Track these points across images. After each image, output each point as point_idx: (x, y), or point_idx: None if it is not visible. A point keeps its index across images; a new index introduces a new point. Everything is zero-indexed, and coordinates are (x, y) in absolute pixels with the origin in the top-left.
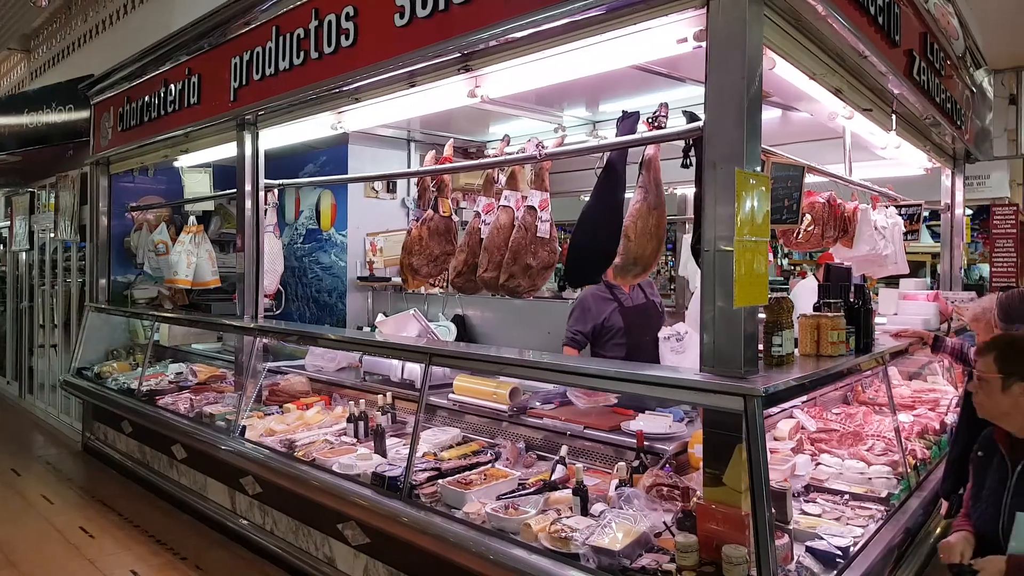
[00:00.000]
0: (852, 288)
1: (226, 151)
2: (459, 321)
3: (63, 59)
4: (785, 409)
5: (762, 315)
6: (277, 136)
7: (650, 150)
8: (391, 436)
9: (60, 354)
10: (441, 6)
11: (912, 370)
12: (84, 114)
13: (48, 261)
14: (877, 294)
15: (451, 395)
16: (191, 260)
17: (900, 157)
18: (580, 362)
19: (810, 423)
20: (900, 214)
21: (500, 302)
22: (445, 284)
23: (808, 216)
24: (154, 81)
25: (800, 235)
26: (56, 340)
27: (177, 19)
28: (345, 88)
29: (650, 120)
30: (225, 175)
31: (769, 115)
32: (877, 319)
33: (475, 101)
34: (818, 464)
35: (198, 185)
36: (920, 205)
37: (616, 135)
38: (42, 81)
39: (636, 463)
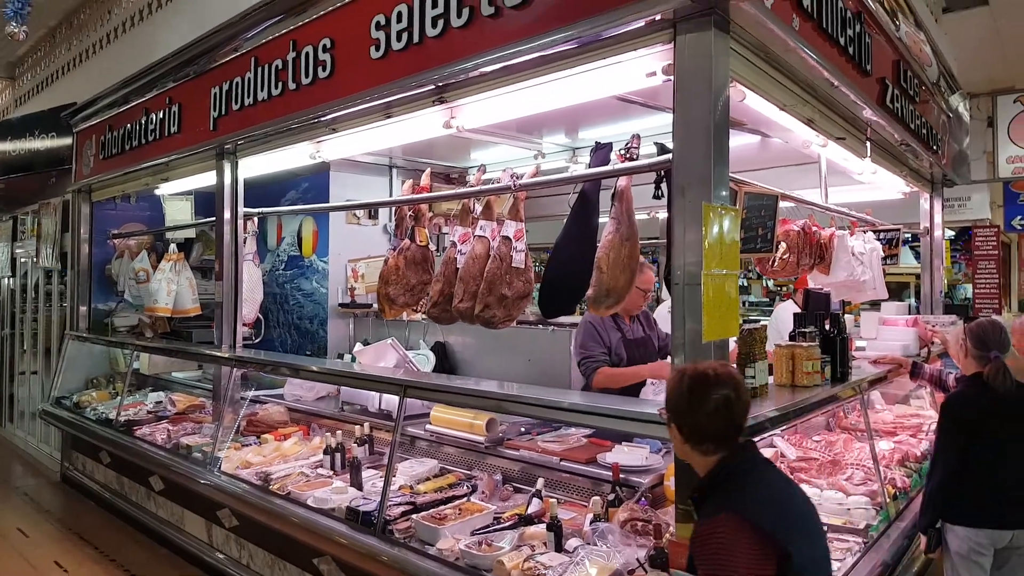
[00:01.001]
0: (827, 317)
1: (207, 179)
2: (440, 348)
3: (47, 87)
4: (764, 438)
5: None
6: (257, 165)
7: (622, 181)
8: (368, 468)
9: (41, 382)
10: (416, 39)
11: (900, 393)
12: (67, 142)
13: (30, 288)
14: (859, 316)
15: (428, 426)
16: (171, 288)
17: (877, 181)
18: (549, 395)
19: (790, 451)
20: (879, 239)
21: (481, 329)
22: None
23: (783, 244)
24: (136, 110)
25: (775, 263)
26: (37, 368)
27: (159, 49)
28: (323, 119)
29: (622, 151)
30: (207, 202)
31: (747, 141)
32: (859, 343)
33: (451, 132)
34: None
35: (179, 212)
36: (899, 229)
37: (589, 166)
38: (26, 109)
39: (612, 496)
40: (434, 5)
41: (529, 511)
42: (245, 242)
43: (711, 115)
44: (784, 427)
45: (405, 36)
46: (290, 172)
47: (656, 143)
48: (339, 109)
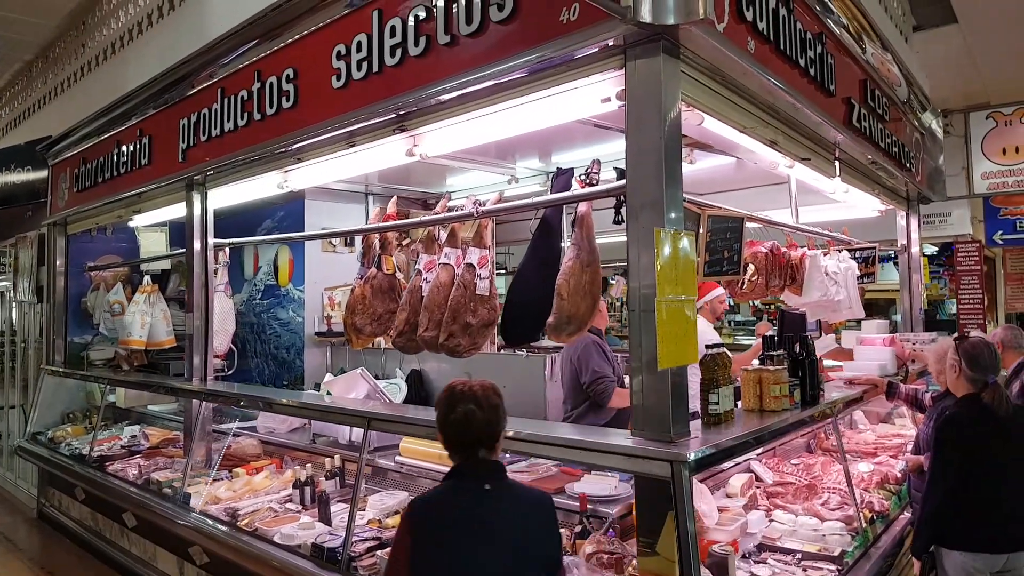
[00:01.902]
0: (796, 339)
1: (179, 210)
2: (416, 376)
3: (24, 120)
4: (740, 463)
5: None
6: (226, 195)
7: (582, 207)
8: (338, 501)
9: (19, 417)
10: (375, 68)
11: (883, 411)
12: (42, 175)
13: (8, 322)
14: (839, 335)
15: (398, 457)
16: (145, 320)
17: (852, 200)
18: (510, 425)
19: (767, 476)
20: (854, 257)
21: None
22: None
23: (751, 266)
24: (108, 142)
25: (744, 285)
26: (14, 402)
27: (130, 82)
28: (288, 148)
29: (582, 177)
30: (182, 233)
31: (722, 162)
32: (837, 363)
33: (414, 159)
34: (772, 521)
35: (154, 244)
36: (874, 247)
37: (551, 191)
38: (5, 142)
39: (579, 528)
40: (392, 34)
41: None
42: (216, 273)
43: (662, 139)
44: (756, 451)
45: (365, 65)
46: (265, 201)
47: (615, 168)
48: (303, 139)
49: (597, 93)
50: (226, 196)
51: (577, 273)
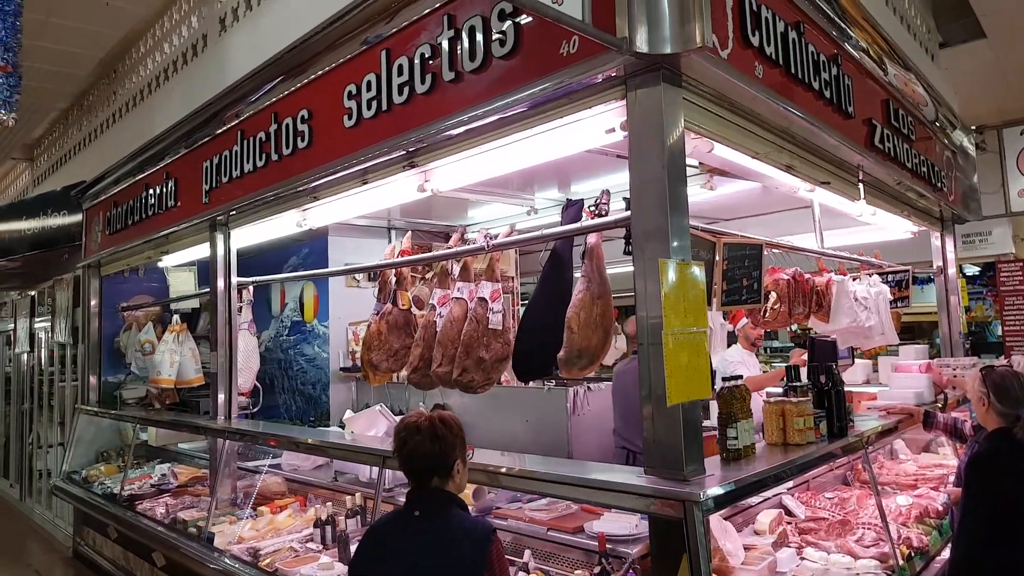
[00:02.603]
0: (821, 369)
1: (206, 250)
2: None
3: (61, 166)
4: (769, 498)
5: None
6: (248, 235)
7: (592, 238)
8: (358, 540)
9: (57, 456)
10: (384, 107)
11: (923, 439)
12: (77, 219)
13: (46, 362)
14: (876, 361)
15: None
16: (174, 359)
17: (883, 222)
18: (516, 462)
19: (800, 510)
20: (887, 281)
21: None
22: None
23: (773, 294)
24: (137, 185)
25: (767, 314)
26: (53, 442)
27: (157, 126)
28: (305, 187)
29: (592, 208)
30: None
31: (747, 187)
32: (874, 390)
33: (425, 195)
34: (803, 559)
35: (183, 284)
36: (908, 270)
37: (561, 223)
38: (43, 188)
39: (598, 569)
40: (400, 73)
41: None
42: (240, 311)
43: (664, 168)
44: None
45: (375, 104)
46: (291, 239)
47: (624, 198)
48: (318, 178)
49: (601, 124)
50: (248, 236)
51: (588, 306)
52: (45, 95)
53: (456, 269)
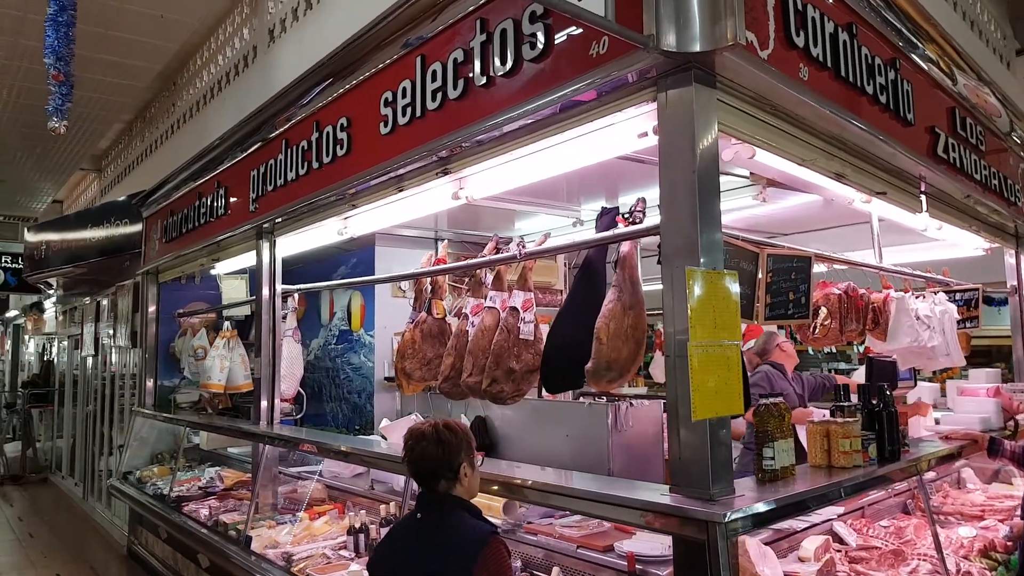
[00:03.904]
0: (871, 389)
1: (254, 258)
2: (480, 424)
3: (126, 176)
4: (815, 524)
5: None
6: (293, 243)
7: (625, 247)
8: None
9: (116, 457)
10: (418, 113)
11: (997, 469)
12: (138, 228)
13: (109, 366)
14: (944, 384)
15: None
16: (224, 365)
17: (953, 238)
18: (536, 476)
19: (851, 538)
20: (954, 300)
21: (521, 403)
22: None
23: (823, 309)
24: (191, 194)
25: (816, 330)
26: (114, 444)
27: (210, 135)
28: (344, 195)
29: (626, 216)
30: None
31: (806, 200)
32: (937, 415)
33: (460, 203)
34: None
35: (235, 291)
36: (977, 289)
37: (596, 231)
38: (109, 198)
39: None
40: (433, 79)
41: None
42: (285, 318)
43: (695, 173)
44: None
45: (409, 111)
46: (339, 248)
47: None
48: (355, 185)
49: (633, 128)
50: (293, 244)
51: (618, 316)
52: (108, 106)
53: (490, 278)
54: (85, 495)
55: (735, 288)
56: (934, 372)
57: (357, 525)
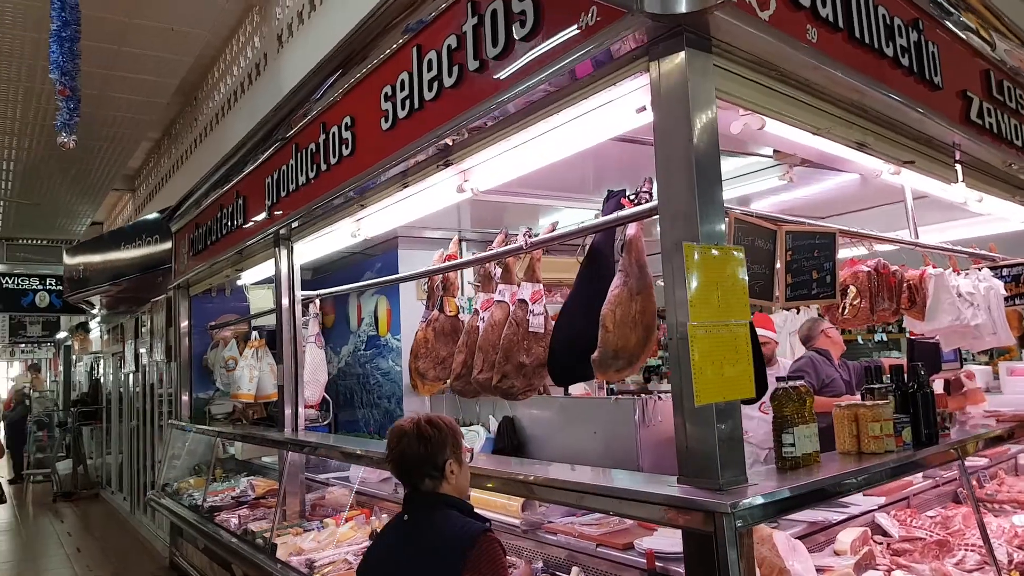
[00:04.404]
0: (904, 370)
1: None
2: (508, 424)
3: (157, 194)
4: (854, 516)
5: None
6: (310, 249)
7: (631, 230)
8: None
9: (157, 471)
10: (416, 105)
11: None
12: (167, 243)
13: (148, 380)
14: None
15: None
16: (253, 374)
17: (996, 212)
18: (537, 471)
19: (895, 529)
20: (1001, 276)
21: (547, 401)
22: None
23: (852, 288)
24: (213, 206)
25: (846, 310)
26: (156, 458)
27: (227, 147)
28: (350, 195)
29: (631, 196)
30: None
31: (843, 180)
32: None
33: (465, 196)
34: None
35: (262, 300)
36: None
37: (602, 215)
38: (142, 215)
39: None
40: (429, 68)
41: None
42: (307, 324)
43: (691, 142)
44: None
45: (408, 103)
46: (364, 254)
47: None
48: (360, 183)
49: (631, 103)
50: (311, 250)
51: (625, 302)
52: (132, 125)
53: (499, 272)
54: (132, 509)
55: (741, 264)
56: (990, 355)
57: (378, 529)
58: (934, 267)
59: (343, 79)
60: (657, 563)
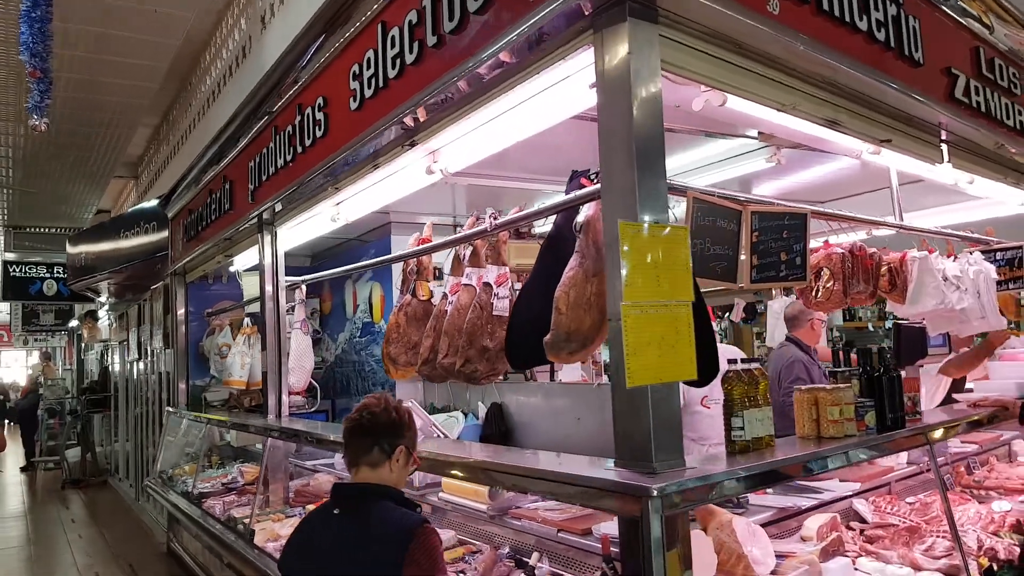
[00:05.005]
0: (870, 353)
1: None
2: (496, 410)
3: (156, 181)
4: (826, 502)
5: None
6: (294, 235)
7: (590, 210)
8: None
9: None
10: (381, 83)
11: None
12: (165, 230)
13: (151, 368)
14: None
15: (441, 494)
16: (245, 361)
17: (995, 195)
18: (475, 453)
19: (869, 516)
20: (995, 260)
21: (534, 387)
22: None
23: (826, 270)
24: (204, 192)
25: (819, 293)
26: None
27: (214, 132)
28: (324, 178)
29: (592, 176)
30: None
31: (840, 164)
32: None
33: (435, 177)
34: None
35: (254, 287)
36: (1021, 247)
37: (565, 195)
38: (145, 202)
39: (599, 574)
40: (392, 45)
41: None
42: (293, 310)
43: (631, 118)
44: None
45: (374, 82)
46: (359, 240)
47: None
48: (332, 166)
49: (585, 80)
50: (294, 235)
51: (579, 284)
52: (126, 109)
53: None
54: (137, 496)
55: (687, 245)
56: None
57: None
58: (930, 250)
59: (317, 55)
60: (612, 548)
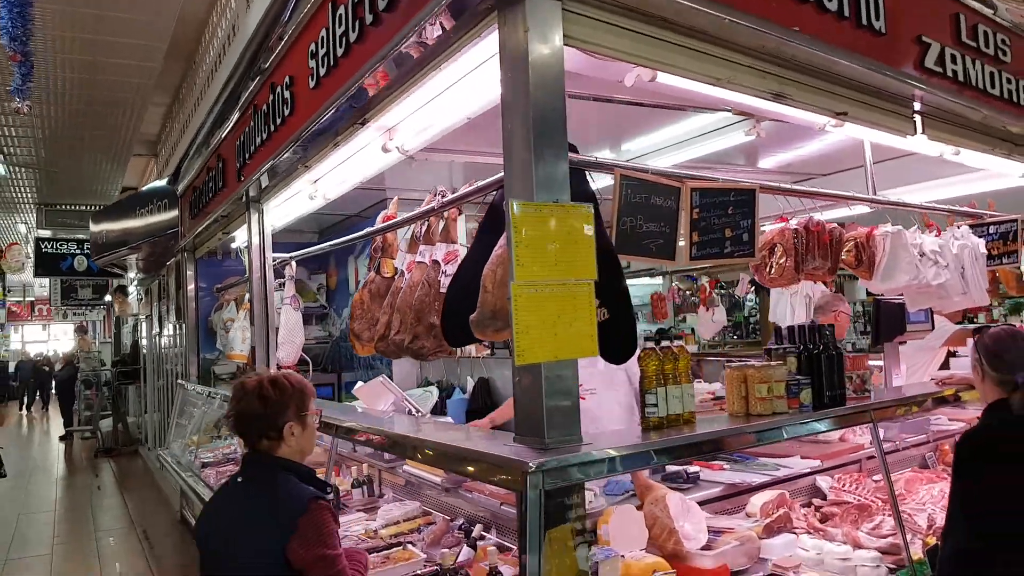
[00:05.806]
0: (807, 330)
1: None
2: (483, 384)
3: (171, 158)
4: (783, 480)
5: None
6: (280, 213)
7: None
8: (360, 510)
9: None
10: (333, 63)
11: None
12: (176, 209)
13: (171, 342)
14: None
15: (405, 466)
16: (245, 335)
17: (992, 167)
18: (385, 426)
19: (829, 494)
20: (988, 233)
21: None
22: (489, 346)
23: (779, 246)
24: (204, 170)
25: (772, 269)
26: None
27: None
28: (293, 155)
29: None
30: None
31: (839, 138)
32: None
33: (391, 155)
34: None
35: None
36: (1015, 220)
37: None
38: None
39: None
40: (340, 23)
41: (460, 560)
42: (283, 286)
43: (528, 96)
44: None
45: (327, 61)
46: (359, 216)
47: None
48: (297, 144)
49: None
50: (281, 214)
51: (506, 262)
52: (132, 89)
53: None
54: (160, 465)
55: (588, 223)
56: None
57: (360, 478)
58: (933, 226)
59: (285, 33)
60: None
